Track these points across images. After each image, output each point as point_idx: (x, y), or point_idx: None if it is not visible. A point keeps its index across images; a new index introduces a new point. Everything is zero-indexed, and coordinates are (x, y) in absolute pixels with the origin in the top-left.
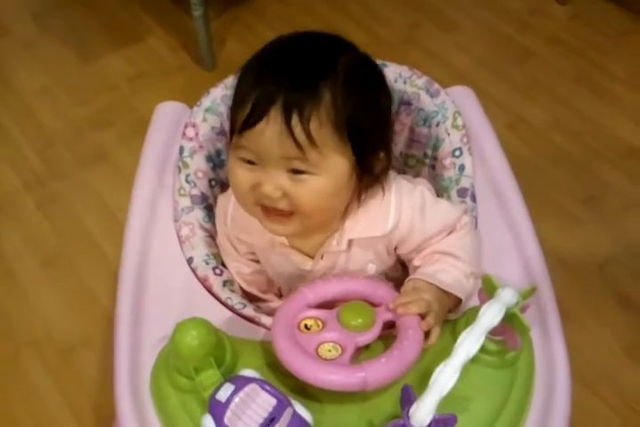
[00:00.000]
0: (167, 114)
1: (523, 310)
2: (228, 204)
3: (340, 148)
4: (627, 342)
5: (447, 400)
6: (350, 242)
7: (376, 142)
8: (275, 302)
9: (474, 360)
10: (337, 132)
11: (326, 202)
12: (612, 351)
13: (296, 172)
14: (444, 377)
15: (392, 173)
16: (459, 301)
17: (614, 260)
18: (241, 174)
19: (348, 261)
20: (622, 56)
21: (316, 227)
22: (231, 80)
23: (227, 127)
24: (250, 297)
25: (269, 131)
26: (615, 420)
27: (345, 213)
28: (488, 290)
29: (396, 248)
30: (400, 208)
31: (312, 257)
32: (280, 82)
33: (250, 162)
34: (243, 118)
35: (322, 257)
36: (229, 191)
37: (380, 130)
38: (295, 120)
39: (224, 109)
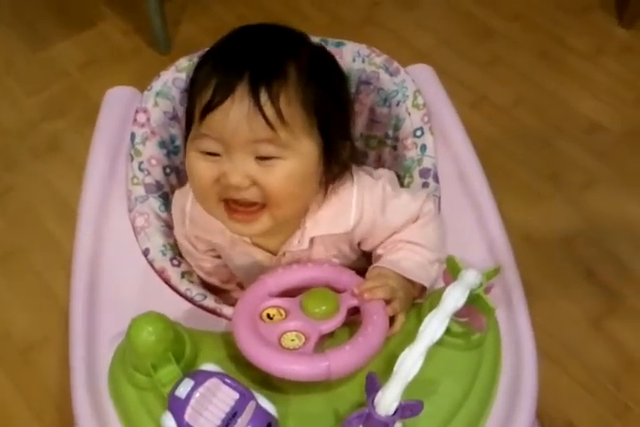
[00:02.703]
0: (117, 99)
1: (487, 290)
2: (185, 201)
3: (309, 129)
4: (593, 316)
5: (414, 384)
6: (312, 240)
7: (341, 129)
8: (236, 292)
9: (439, 343)
10: (305, 111)
11: (297, 187)
12: (579, 326)
13: (264, 158)
14: (409, 363)
15: (354, 168)
16: (424, 288)
17: (579, 235)
18: (203, 168)
19: (310, 258)
20: (584, 31)
21: (284, 221)
22: (183, 62)
23: (179, 112)
24: (210, 288)
25: (236, 111)
26: (584, 394)
27: (307, 211)
28: (452, 272)
29: (359, 244)
30: (362, 205)
31: (275, 254)
32: (244, 61)
33: (211, 154)
34: (204, 101)
35: (284, 255)
36: (187, 187)
37: (343, 116)
38: (264, 97)
39: (176, 93)
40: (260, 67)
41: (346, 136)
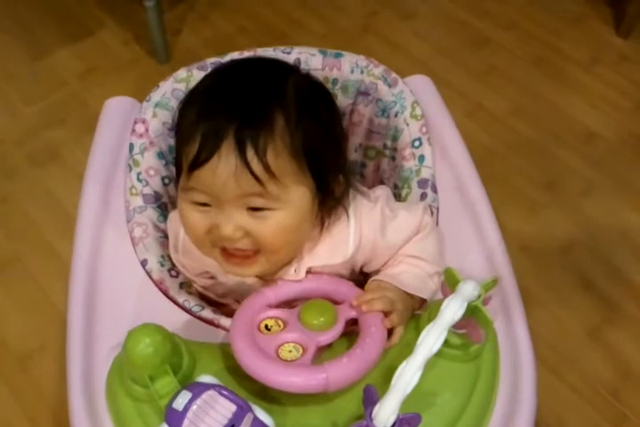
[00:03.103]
0: (116, 110)
1: (485, 302)
2: (179, 228)
3: (299, 176)
4: (590, 326)
5: (412, 396)
6: (309, 270)
7: (334, 164)
8: (234, 305)
9: (438, 355)
10: (294, 159)
11: (291, 235)
12: (576, 335)
13: (255, 209)
14: (407, 376)
15: (350, 192)
16: (424, 300)
17: (576, 244)
18: (195, 219)
19: None
20: (581, 41)
21: (282, 262)
22: (182, 73)
23: None
24: (208, 299)
25: (223, 168)
26: (581, 403)
27: (303, 244)
28: (450, 283)
29: (362, 267)
30: (360, 231)
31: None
32: (228, 113)
33: (203, 204)
34: (191, 157)
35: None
36: None
37: (336, 151)
38: (251, 153)
39: (175, 104)
40: (244, 118)
41: (339, 170)
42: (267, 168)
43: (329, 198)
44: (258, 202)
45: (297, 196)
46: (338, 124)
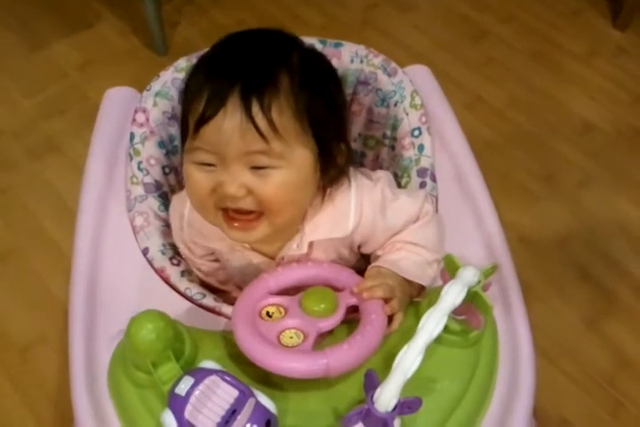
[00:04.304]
0: (117, 100)
1: (485, 288)
2: (183, 207)
3: (302, 137)
4: (588, 316)
5: (412, 382)
6: (311, 244)
7: (336, 131)
8: (235, 292)
9: (437, 341)
10: (298, 119)
11: (293, 195)
12: (574, 326)
13: (259, 168)
14: (408, 360)
15: (352, 170)
16: (423, 288)
17: (574, 235)
18: (199, 178)
19: None
20: (578, 33)
21: (284, 227)
22: (182, 62)
23: (178, 112)
24: (209, 287)
25: (228, 123)
26: (578, 392)
27: (305, 215)
28: (450, 270)
29: (359, 247)
30: (361, 208)
31: (273, 258)
32: (234, 73)
33: (207, 164)
34: (197, 115)
35: (282, 259)
36: (184, 192)
37: (338, 119)
38: (256, 108)
39: (175, 93)
40: (250, 77)
41: (341, 139)
42: (271, 124)
43: (331, 166)
44: (261, 160)
45: (300, 156)
46: (340, 93)
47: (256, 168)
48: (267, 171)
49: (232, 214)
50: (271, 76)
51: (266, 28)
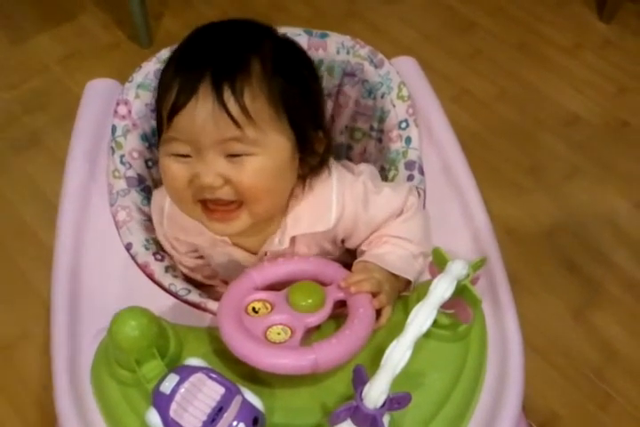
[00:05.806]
0: (98, 91)
1: (474, 281)
2: (163, 202)
3: (277, 124)
4: (575, 308)
5: (401, 377)
6: (293, 239)
7: (312, 118)
8: (221, 287)
9: (426, 335)
10: (272, 105)
11: (271, 182)
12: (562, 317)
13: (234, 155)
14: (397, 355)
15: (333, 163)
16: (409, 282)
17: (561, 227)
18: (175, 170)
19: None
20: (564, 25)
21: (264, 217)
22: (165, 53)
23: None
24: (194, 282)
25: (200, 110)
26: (567, 384)
27: (286, 209)
28: (438, 263)
29: (343, 241)
30: (342, 201)
31: (255, 253)
32: (205, 60)
33: (183, 155)
34: (169, 104)
35: (265, 254)
36: (164, 187)
37: (314, 105)
38: (227, 93)
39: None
40: (221, 64)
41: (318, 126)
42: (244, 110)
43: (309, 154)
44: (236, 147)
45: (275, 142)
46: (316, 80)
47: (231, 156)
48: (242, 158)
49: (211, 206)
50: (242, 62)
51: (238, 19)
